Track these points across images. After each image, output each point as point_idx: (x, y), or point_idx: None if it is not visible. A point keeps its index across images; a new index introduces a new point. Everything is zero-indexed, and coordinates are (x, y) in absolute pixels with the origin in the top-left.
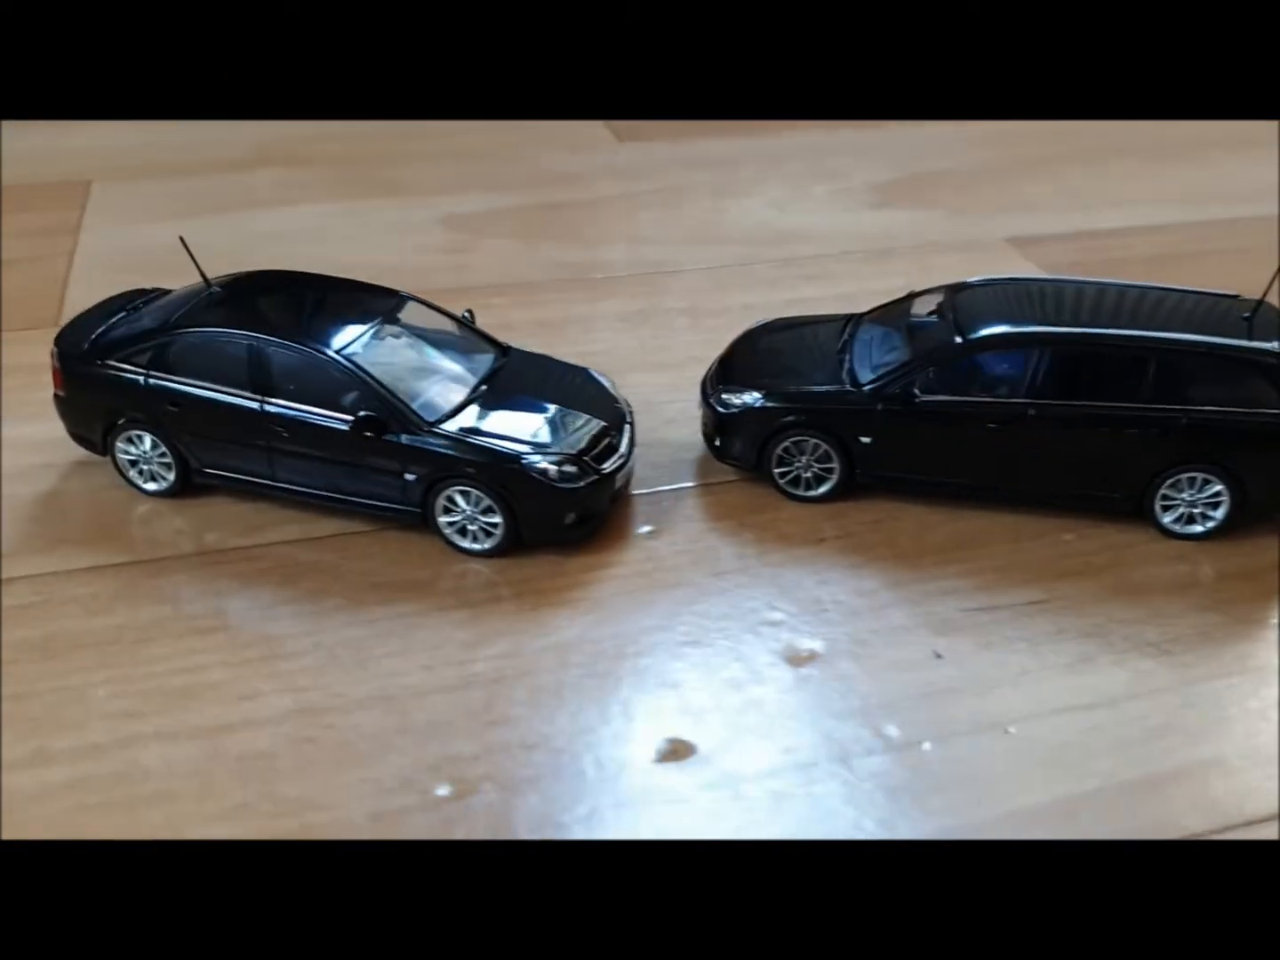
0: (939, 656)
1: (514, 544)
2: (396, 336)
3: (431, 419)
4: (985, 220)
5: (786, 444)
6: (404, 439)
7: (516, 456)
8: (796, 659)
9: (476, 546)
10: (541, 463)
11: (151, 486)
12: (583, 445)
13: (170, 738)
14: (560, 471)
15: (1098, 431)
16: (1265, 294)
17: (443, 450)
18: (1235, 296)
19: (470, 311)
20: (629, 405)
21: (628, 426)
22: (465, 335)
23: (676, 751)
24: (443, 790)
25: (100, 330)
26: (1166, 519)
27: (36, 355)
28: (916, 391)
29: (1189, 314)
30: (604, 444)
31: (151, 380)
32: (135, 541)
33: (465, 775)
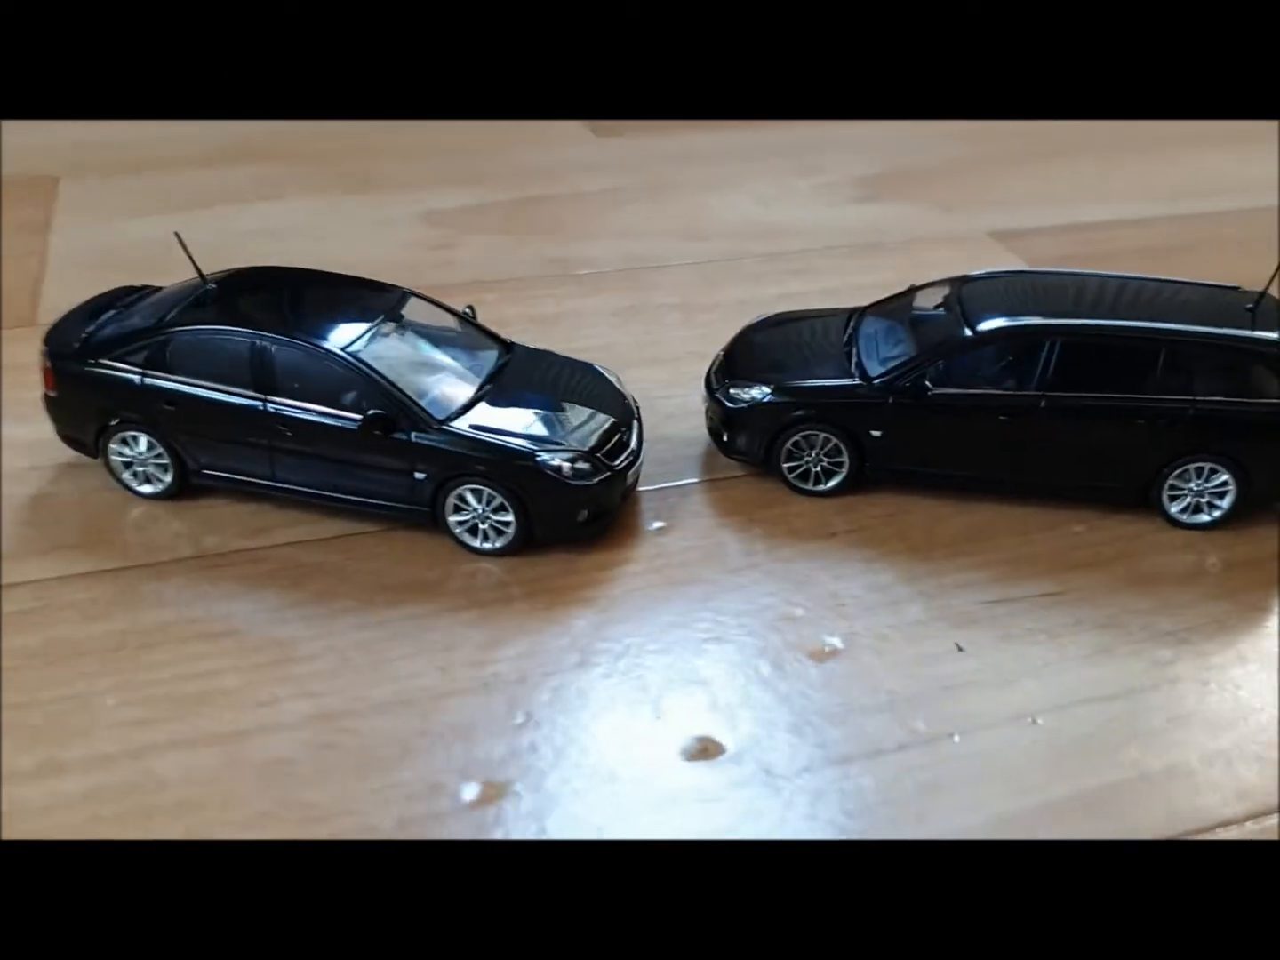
0: (961, 649)
1: (525, 543)
2: (401, 333)
3: (441, 416)
4: (969, 215)
5: (796, 438)
6: (413, 437)
7: (530, 454)
8: (819, 654)
9: (487, 546)
10: (555, 460)
11: (147, 489)
12: (594, 442)
13: (185, 745)
14: (574, 468)
15: (1107, 423)
16: (1268, 286)
17: (454, 448)
18: (1236, 289)
19: (471, 307)
20: (635, 400)
21: (636, 422)
22: (468, 331)
23: (707, 750)
24: (471, 794)
25: (91, 329)
26: (1174, 509)
27: (14, 355)
28: (929, 384)
29: (1193, 306)
30: (615, 440)
31: (147, 379)
32: (132, 545)
33: (493, 778)
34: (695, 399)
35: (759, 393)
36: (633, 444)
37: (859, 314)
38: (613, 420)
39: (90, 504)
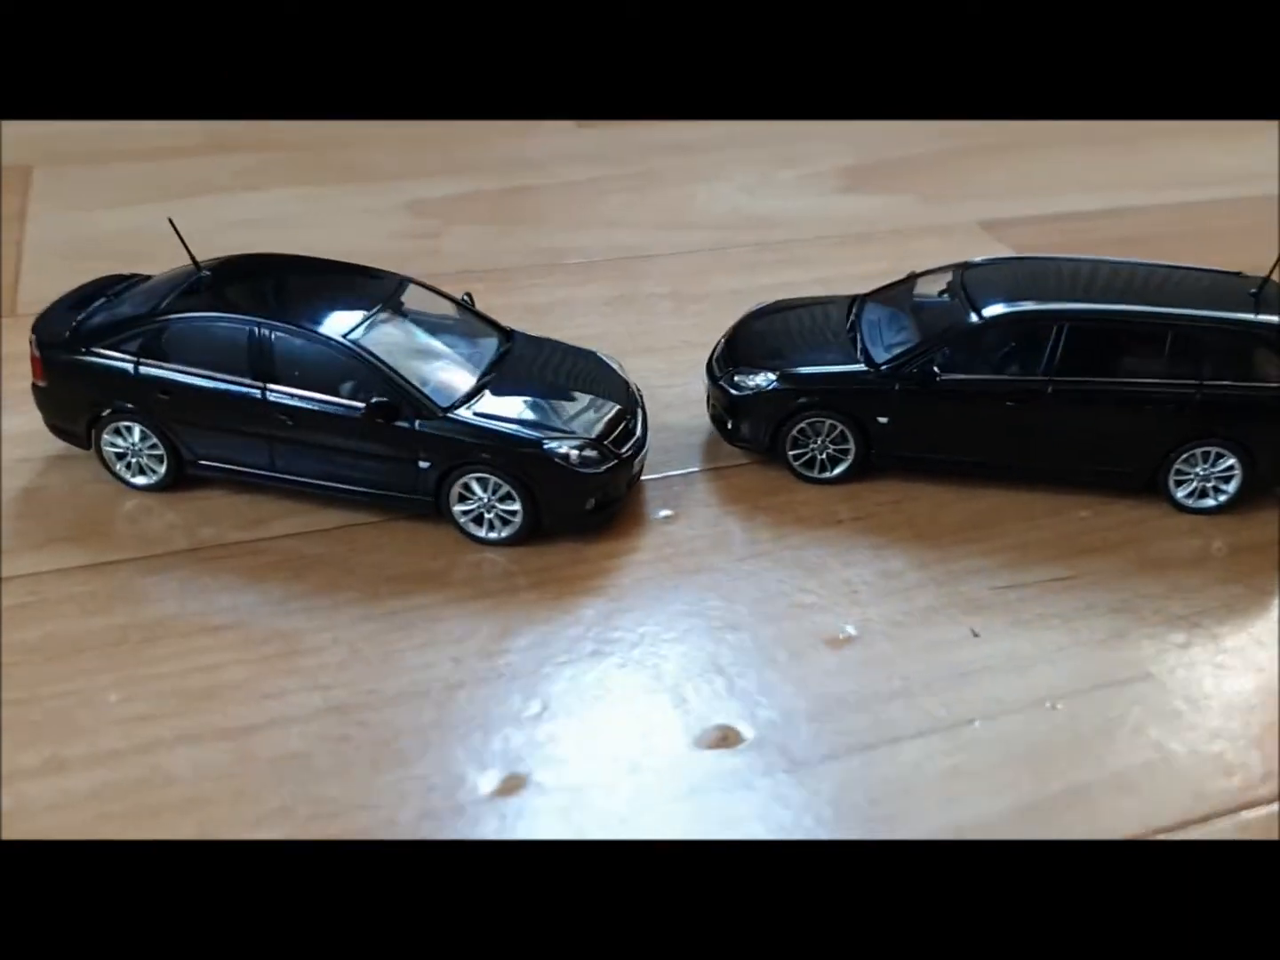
0: (976, 635)
1: (532, 532)
2: (401, 320)
3: (445, 404)
4: (955, 205)
5: (802, 425)
6: (417, 425)
7: (537, 441)
8: (834, 641)
9: (492, 535)
10: (563, 448)
11: (140, 480)
12: (601, 429)
13: (193, 741)
14: (582, 456)
15: (1114, 408)
16: (1271, 271)
17: (459, 436)
18: (1238, 274)
19: (469, 295)
20: (638, 388)
21: (640, 410)
22: (467, 319)
23: (727, 738)
24: (491, 785)
25: (81, 317)
26: (1180, 493)
27: None
28: (937, 370)
29: (1197, 290)
30: (621, 428)
31: (142, 368)
32: (127, 538)
33: (513, 770)
34: (694, 388)
35: (763, 380)
36: (638, 432)
37: (860, 301)
38: (618, 408)
39: (82, 496)
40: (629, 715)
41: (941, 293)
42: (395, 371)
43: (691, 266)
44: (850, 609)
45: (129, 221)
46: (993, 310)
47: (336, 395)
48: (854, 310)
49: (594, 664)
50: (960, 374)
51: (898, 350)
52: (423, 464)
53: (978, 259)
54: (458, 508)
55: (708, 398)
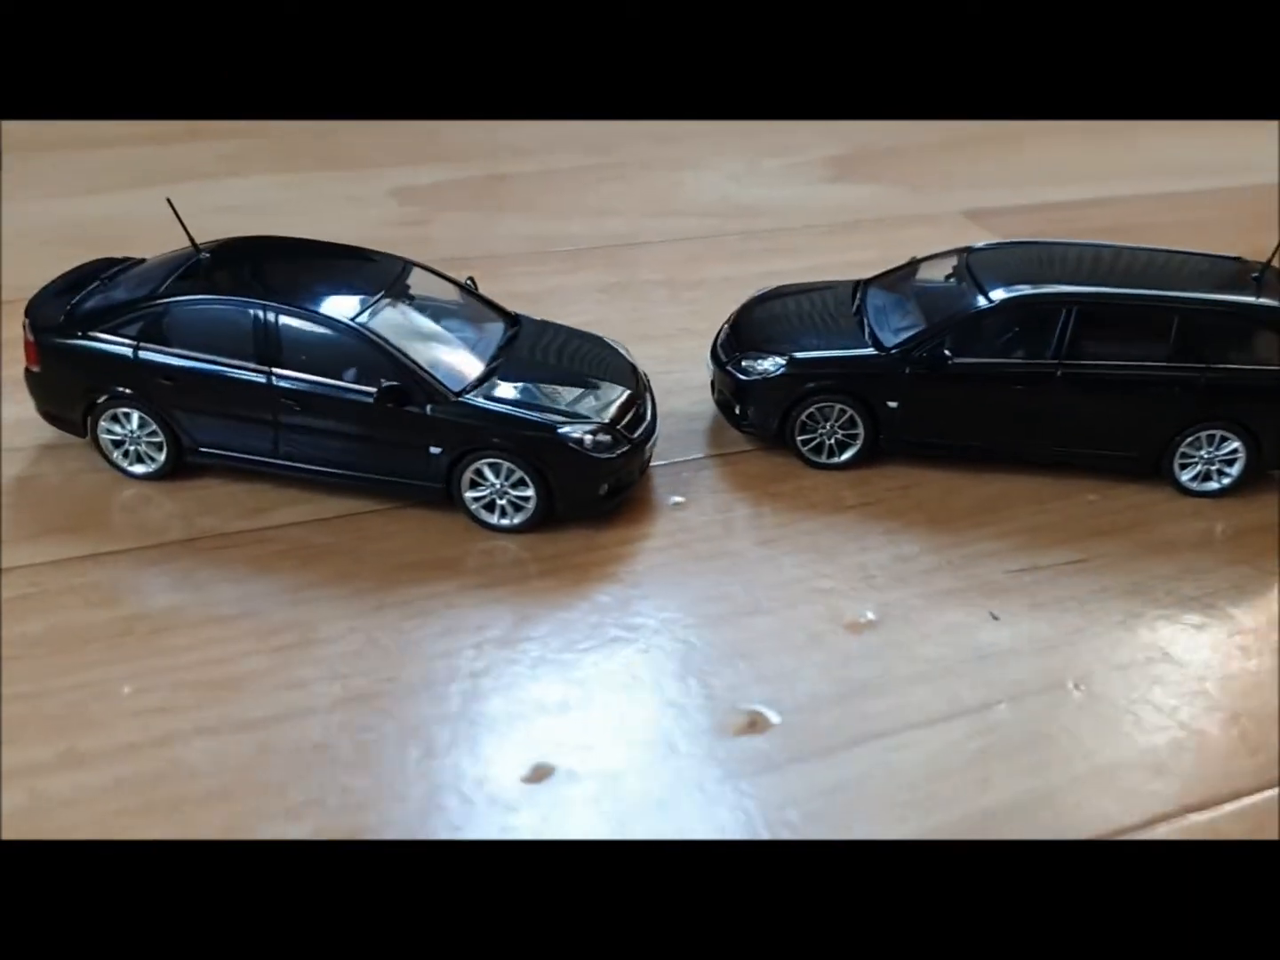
0: (995, 618)
1: (545, 518)
2: (407, 304)
3: (456, 389)
4: (940, 194)
5: (811, 410)
6: (429, 410)
7: (551, 426)
8: (855, 626)
9: (504, 522)
10: (576, 432)
11: (139, 469)
12: (613, 414)
13: (213, 732)
14: (595, 441)
15: (1121, 391)
16: (1272, 257)
17: (472, 421)
18: (1238, 259)
19: (472, 279)
20: (645, 374)
21: (649, 395)
22: (472, 303)
23: (755, 723)
24: (524, 775)
25: (76, 300)
26: (1184, 477)
27: None
28: (948, 353)
29: (1200, 275)
30: (633, 412)
31: (142, 352)
32: (127, 527)
33: (545, 759)
34: (694, 374)
35: (771, 364)
36: (648, 417)
37: (863, 286)
38: (629, 392)
39: (77, 485)
40: (657, 701)
41: (948, 277)
42: (406, 355)
43: (683, 254)
44: (868, 593)
45: (109, 208)
46: (1003, 293)
47: (345, 380)
48: (858, 295)
49: (617, 650)
50: (969, 358)
51: (907, 334)
52: (434, 450)
53: (980, 243)
54: (469, 494)
55: (712, 383)
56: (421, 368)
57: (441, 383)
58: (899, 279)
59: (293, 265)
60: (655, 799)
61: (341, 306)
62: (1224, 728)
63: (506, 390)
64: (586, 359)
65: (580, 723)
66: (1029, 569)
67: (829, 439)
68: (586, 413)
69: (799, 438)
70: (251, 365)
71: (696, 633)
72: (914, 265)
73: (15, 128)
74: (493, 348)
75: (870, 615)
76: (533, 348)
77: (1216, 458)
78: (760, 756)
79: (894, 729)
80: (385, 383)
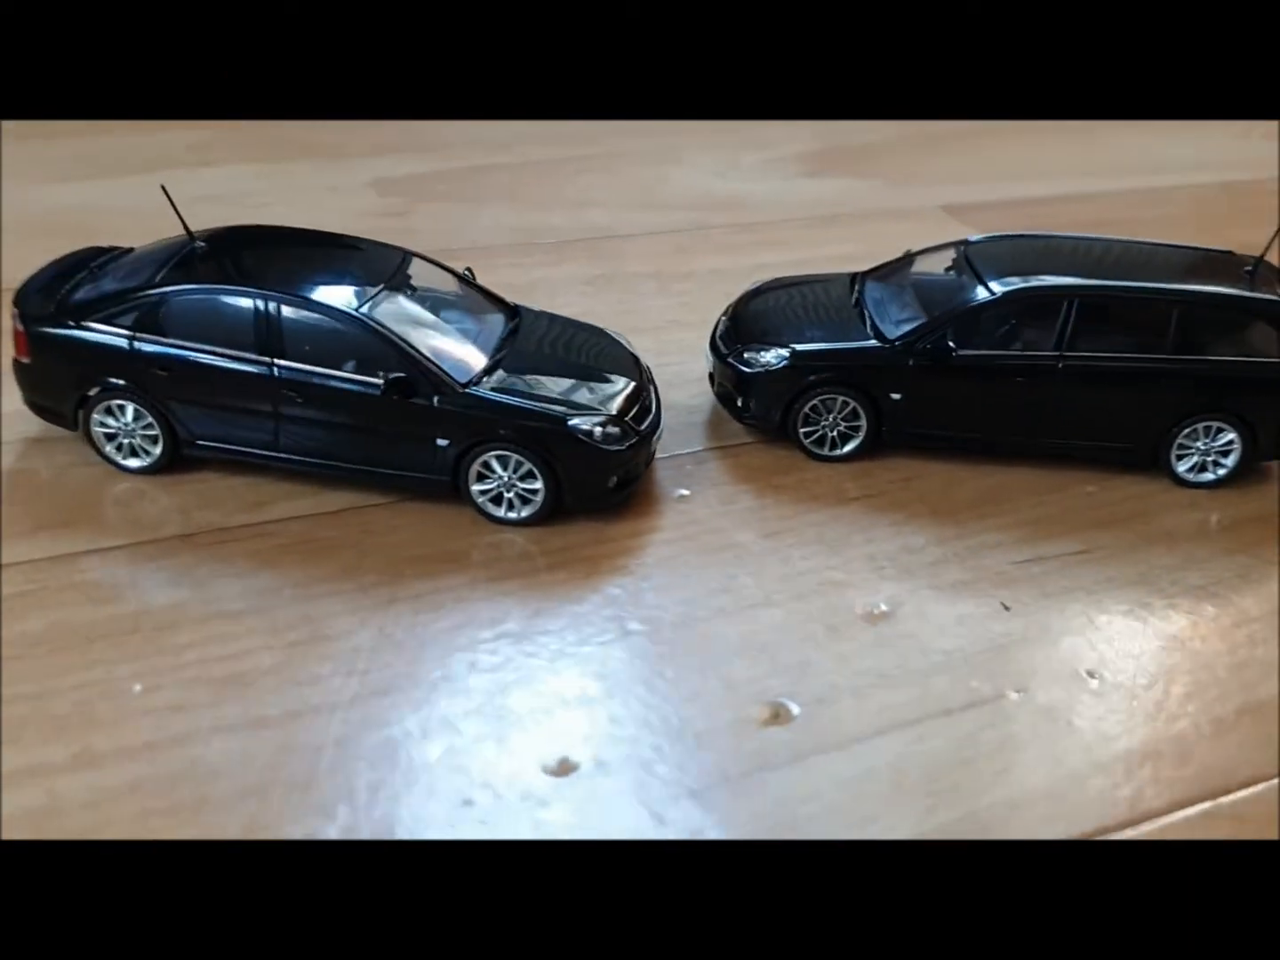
0: (1007, 608)
1: (553, 511)
2: (409, 294)
3: (463, 380)
4: (917, 189)
5: (814, 402)
6: (436, 402)
7: (561, 418)
8: (868, 617)
9: (512, 515)
10: (586, 424)
11: (134, 463)
12: (620, 406)
13: (231, 731)
14: (605, 433)
15: (1121, 383)
16: (1265, 251)
17: (480, 413)
18: (1229, 253)
19: (470, 269)
20: (647, 365)
21: (652, 386)
22: (472, 294)
23: (779, 715)
24: (551, 769)
25: (67, 289)
26: (1181, 468)
27: None
28: (953, 345)
29: (1195, 268)
30: (639, 404)
31: (139, 343)
32: (124, 523)
33: (569, 755)
34: (689, 367)
35: (773, 357)
36: (653, 409)
37: (860, 279)
38: (634, 384)
39: (68, 480)
40: (678, 694)
41: (948, 269)
42: (412, 346)
43: (669, 247)
44: (880, 584)
45: (80, 197)
46: (1006, 286)
47: (350, 371)
48: (856, 287)
49: (634, 643)
50: (972, 350)
51: (909, 326)
52: (441, 442)
53: (976, 236)
54: (476, 487)
55: (711, 375)
56: (428, 359)
57: (448, 374)
58: (896, 272)
59: (291, 255)
60: (686, 790)
61: (344, 297)
62: (1238, 715)
63: (513, 382)
64: (590, 350)
65: (603, 715)
66: (1035, 560)
67: (831, 431)
68: (594, 405)
69: (801, 430)
70: (253, 356)
71: (712, 625)
72: (910, 258)
73: None
74: (496, 339)
75: (883, 607)
76: (536, 339)
77: (1213, 449)
78: (785, 748)
79: (914, 719)
80: (392, 374)
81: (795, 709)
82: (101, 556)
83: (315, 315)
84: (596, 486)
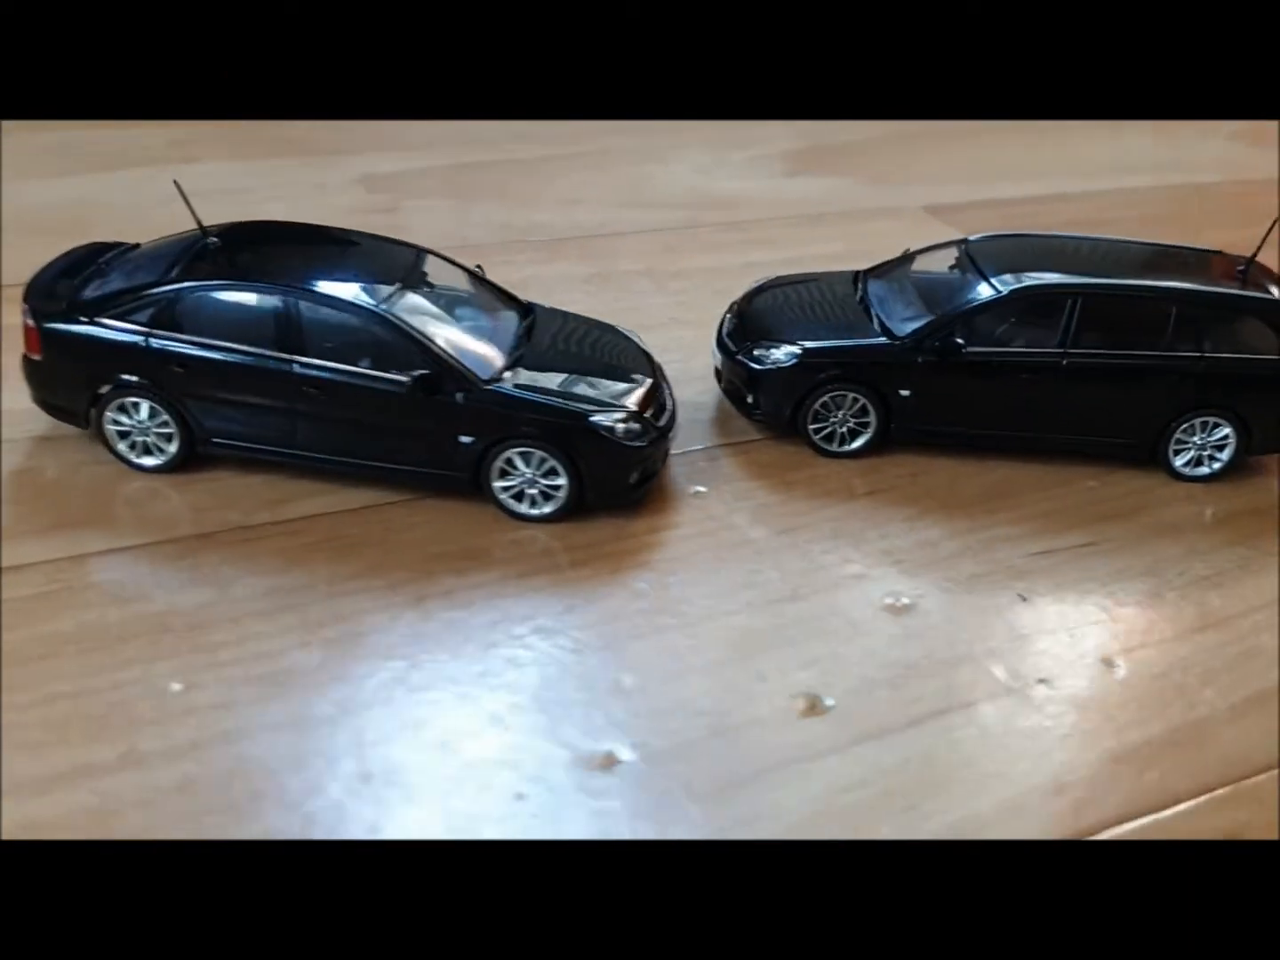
0: (1024, 599)
1: (575, 507)
2: (427, 291)
3: (485, 377)
4: (899, 189)
5: (824, 399)
6: (460, 399)
7: (583, 414)
8: (892, 610)
9: (534, 511)
10: (608, 420)
11: (148, 461)
12: (638, 402)
13: (279, 728)
14: (626, 429)
15: (1123, 379)
16: (1256, 252)
17: (504, 410)
18: (1219, 253)
19: (480, 266)
20: (659, 362)
21: (665, 383)
22: (486, 291)
23: (814, 707)
24: (596, 764)
25: (77, 286)
26: (1178, 462)
27: None
28: (961, 342)
29: (1189, 266)
30: (656, 401)
31: (155, 340)
32: (144, 521)
33: (614, 748)
34: (692, 364)
35: (784, 354)
36: (669, 405)
37: (863, 277)
38: (651, 380)
39: (81, 478)
40: (714, 687)
41: (951, 268)
42: (435, 343)
43: (659, 245)
44: (900, 578)
45: (61, 193)
46: (1013, 284)
47: (371, 368)
48: (860, 286)
49: (666, 637)
50: (979, 347)
51: (916, 324)
52: (464, 439)
53: (975, 235)
54: (498, 483)
55: (717, 372)
56: (452, 355)
57: (471, 371)
58: (898, 270)
59: (305, 250)
60: (735, 779)
61: (364, 293)
62: (1252, 702)
63: (534, 378)
64: (604, 347)
65: (644, 708)
66: (1046, 552)
67: (841, 428)
68: (614, 401)
69: (811, 426)
70: (273, 353)
71: (739, 619)
72: (910, 257)
73: None
74: (513, 335)
75: (905, 600)
76: (551, 336)
77: (1208, 444)
78: (823, 738)
79: (945, 709)
80: (418, 371)
81: (829, 701)
82: (123, 555)
83: (337, 311)
84: (618, 482)
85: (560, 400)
